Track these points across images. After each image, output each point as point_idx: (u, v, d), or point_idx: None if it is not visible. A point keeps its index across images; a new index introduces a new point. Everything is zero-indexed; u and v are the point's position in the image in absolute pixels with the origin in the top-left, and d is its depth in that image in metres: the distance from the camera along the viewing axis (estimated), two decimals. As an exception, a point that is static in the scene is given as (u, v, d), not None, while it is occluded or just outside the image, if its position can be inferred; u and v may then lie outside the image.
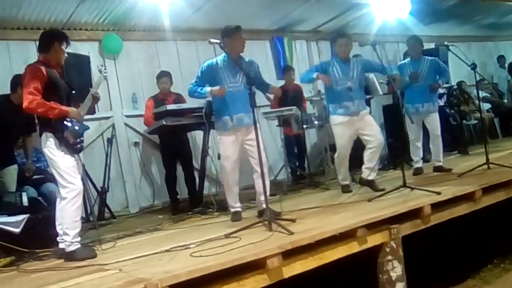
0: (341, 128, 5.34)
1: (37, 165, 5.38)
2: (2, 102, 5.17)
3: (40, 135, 3.95)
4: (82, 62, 5.84)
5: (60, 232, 3.93)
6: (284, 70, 7.98)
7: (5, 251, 4.09)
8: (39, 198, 5.06)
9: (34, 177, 5.41)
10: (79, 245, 3.86)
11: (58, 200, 3.93)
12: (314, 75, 5.35)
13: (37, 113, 3.84)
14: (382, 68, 5.34)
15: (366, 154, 5.34)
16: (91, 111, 5.73)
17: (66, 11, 6.21)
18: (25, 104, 3.76)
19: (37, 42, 4.14)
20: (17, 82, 5.10)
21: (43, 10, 6.00)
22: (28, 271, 3.70)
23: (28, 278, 3.54)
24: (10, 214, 4.41)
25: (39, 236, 4.10)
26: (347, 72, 5.33)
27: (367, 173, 5.33)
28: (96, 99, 4.20)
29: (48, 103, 3.80)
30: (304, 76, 5.70)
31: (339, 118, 5.33)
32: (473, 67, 5.95)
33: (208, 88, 4.59)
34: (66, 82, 4.12)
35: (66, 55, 4.12)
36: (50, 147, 3.85)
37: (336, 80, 5.31)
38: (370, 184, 5.34)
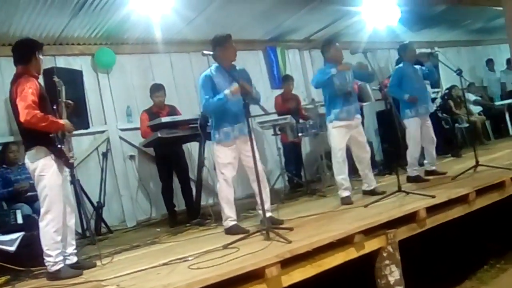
0: (341, 131, 5.27)
1: (30, 181, 5.34)
2: None
3: (28, 149, 3.84)
4: (76, 77, 5.86)
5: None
6: (284, 79, 8.00)
7: (1, 270, 4.07)
8: (34, 215, 5.02)
9: (28, 194, 5.40)
10: (62, 264, 3.81)
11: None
12: (333, 70, 5.13)
13: (39, 127, 3.73)
14: (369, 76, 5.46)
15: (360, 165, 5.40)
16: (85, 125, 5.81)
17: (58, 26, 6.23)
18: (25, 118, 3.67)
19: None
20: None
21: (34, 26, 6.01)
22: (25, 290, 3.68)
23: (25, 296, 3.53)
24: (5, 232, 4.41)
25: (35, 254, 4.01)
26: (344, 77, 5.31)
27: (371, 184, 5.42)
28: (69, 106, 4.17)
29: (47, 117, 3.76)
30: (320, 79, 5.30)
31: (340, 122, 5.26)
32: (459, 72, 6.02)
33: (226, 90, 4.41)
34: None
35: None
36: (41, 163, 3.78)
37: (337, 85, 5.26)
38: (373, 192, 5.37)
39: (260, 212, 4.46)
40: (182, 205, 6.50)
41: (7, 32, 6.02)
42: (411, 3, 7.80)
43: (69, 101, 4.19)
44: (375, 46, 9.04)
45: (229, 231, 4.57)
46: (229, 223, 4.62)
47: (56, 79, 4.26)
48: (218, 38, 4.59)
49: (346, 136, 5.31)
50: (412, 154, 6.00)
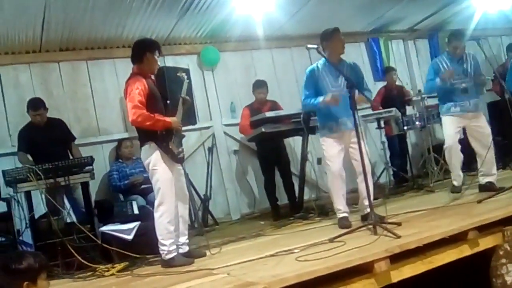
0: (452, 119, 5.18)
1: (144, 175, 5.65)
2: (28, 129, 5.46)
3: (142, 145, 4.04)
4: (184, 75, 6.10)
5: None
6: (386, 71, 7.80)
7: (119, 257, 4.39)
8: (148, 206, 5.35)
9: (142, 186, 5.75)
10: (176, 253, 3.98)
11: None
12: (437, 80, 5.15)
13: (145, 126, 3.93)
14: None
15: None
16: (192, 121, 6.04)
17: (167, 27, 6.55)
18: (132, 118, 3.89)
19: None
20: (38, 104, 5.41)
21: (145, 28, 6.35)
22: (142, 276, 3.89)
23: (143, 282, 3.72)
24: (122, 222, 4.73)
25: (149, 242, 4.25)
26: (461, 70, 5.15)
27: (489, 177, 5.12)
28: (186, 102, 4.31)
29: (153, 115, 3.92)
30: (430, 87, 5.40)
31: (452, 114, 5.18)
32: None
33: (320, 98, 4.53)
34: (160, 92, 4.22)
35: (159, 63, 4.18)
36: (154, 158, 3.95)
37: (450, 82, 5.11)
38: (490, 187, 5.02)
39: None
40: (284, 200, 6.55)
41: (121, 35, 6.43)
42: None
43: (187, 97, 4.35)
44: (485, 33, 8.49)
45: (339, 223, 4.61)
46: (339, 215, 4.66)
47: (180, 74, 4.45)
48: (326, 32, 4.62)
49: (459, 124, 5.18)
50: None
